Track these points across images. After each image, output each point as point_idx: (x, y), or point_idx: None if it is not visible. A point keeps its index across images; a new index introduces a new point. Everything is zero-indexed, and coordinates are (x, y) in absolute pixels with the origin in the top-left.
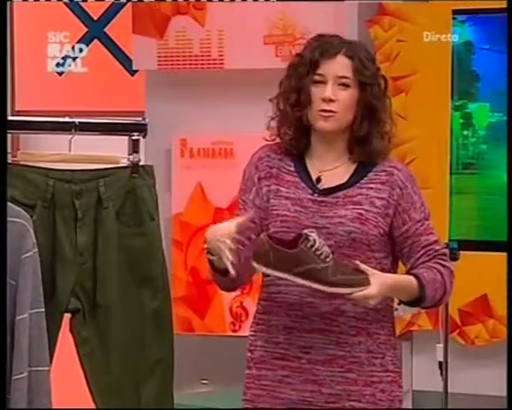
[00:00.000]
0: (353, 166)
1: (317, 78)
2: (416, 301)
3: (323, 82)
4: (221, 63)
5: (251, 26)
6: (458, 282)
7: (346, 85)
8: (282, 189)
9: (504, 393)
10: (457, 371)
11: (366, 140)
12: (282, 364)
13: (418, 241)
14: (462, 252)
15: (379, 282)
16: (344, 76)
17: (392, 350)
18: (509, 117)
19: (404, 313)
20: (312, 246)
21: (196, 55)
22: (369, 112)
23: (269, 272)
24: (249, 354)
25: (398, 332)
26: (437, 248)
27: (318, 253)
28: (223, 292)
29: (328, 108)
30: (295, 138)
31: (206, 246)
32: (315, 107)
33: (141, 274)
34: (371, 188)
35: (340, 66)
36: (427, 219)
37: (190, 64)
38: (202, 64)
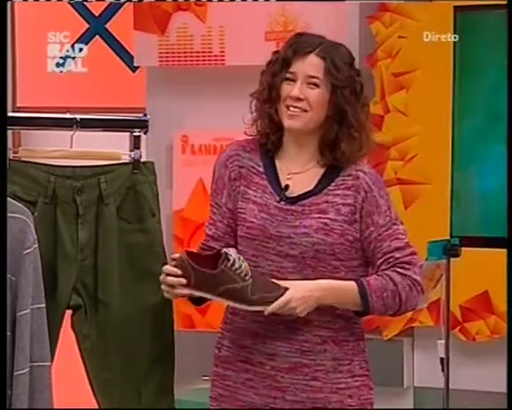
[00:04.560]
0: (322, 170)
1: (288, 75)
2: (364, 310)
3: (294, 80)
4: (222, 59)
5: (252, 23)
6: (459, 278)
7: (315, 85)
8: (250, 191)
9: (505, 389)
10: (459, 368)
11: (335, 143)
12: (246, 367)
13: (380, 247)
14: (463, 248)
15: (297, 288)
16: (314, 76)
17: (361, 354)
18: (509, 117)
19: None
20: (233, 265)
21: (197, 52)
22: (339, 115)
23: (190, 292)
24: (216, 352)
25: (399, 329)
26: (397, 256)
27: (238, 271)
28: None
29: (294, 104)
30: (268, 135)
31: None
32: (283, 104)
33: (142, 270)
34: (337, 194)
35: (311, 65)
36: (394, 224)
37: (191, 60)
38: (203, 60)
